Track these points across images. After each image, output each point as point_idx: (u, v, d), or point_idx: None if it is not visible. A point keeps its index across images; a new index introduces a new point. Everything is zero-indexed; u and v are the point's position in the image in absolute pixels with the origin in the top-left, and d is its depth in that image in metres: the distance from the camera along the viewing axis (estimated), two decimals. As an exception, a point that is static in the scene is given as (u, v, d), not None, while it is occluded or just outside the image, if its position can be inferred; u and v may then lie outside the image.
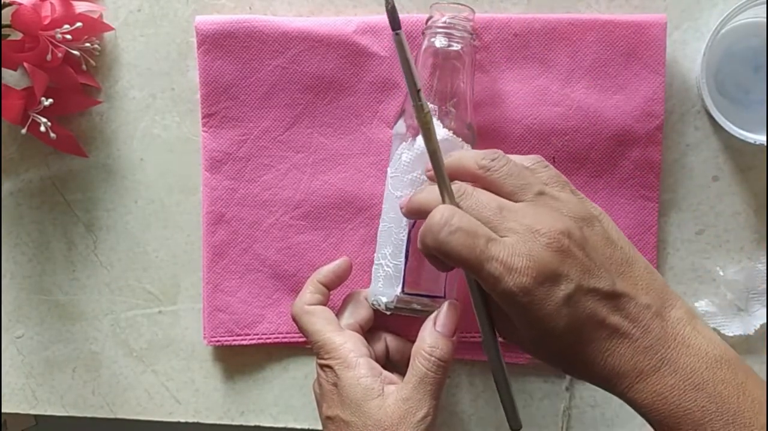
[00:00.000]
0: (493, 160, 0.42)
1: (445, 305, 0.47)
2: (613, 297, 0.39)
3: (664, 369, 0.38)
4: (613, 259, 0.40)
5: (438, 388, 0.46)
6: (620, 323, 0.39)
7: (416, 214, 0.44)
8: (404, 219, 0.48)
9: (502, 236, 0.39)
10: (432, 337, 0.46)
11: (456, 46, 0.49)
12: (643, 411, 0.39)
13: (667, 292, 0.41)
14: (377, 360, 0.49)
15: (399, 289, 0.49)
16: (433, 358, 0.45)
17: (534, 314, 0.38)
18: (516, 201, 0.41)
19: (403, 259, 0.49)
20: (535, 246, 0.38)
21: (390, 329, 0.53)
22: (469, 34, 0.49)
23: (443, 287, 0.50)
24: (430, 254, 0.41)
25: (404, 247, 0.49)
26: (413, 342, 0.48)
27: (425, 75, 0.49)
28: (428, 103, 0.48)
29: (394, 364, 0.52)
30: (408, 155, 0.48)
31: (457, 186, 0.42)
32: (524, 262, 0.38)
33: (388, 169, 0.50)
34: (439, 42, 0.49)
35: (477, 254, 0.38)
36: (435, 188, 0.43)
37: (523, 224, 0.39)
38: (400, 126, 0.50)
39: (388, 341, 0.53)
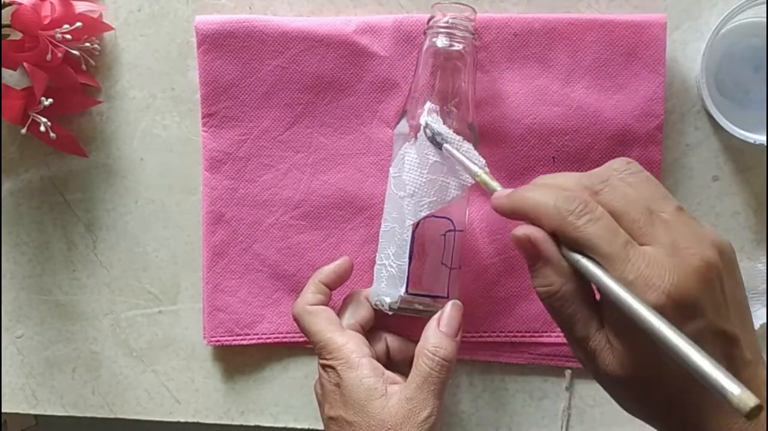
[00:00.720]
0: (629, 163, 0.39)
1: (448, 306, 0.47)
2: (730, 342, 0.36)
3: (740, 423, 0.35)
4: (737, 298, 0.37)
5: (442, 388, 0.46)
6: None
7: (522, 214, 0.39)
8: (407, 219, 0.48)
9: (642, 244, 0.36)
10: (436, 337, 0.46)
11: (458, 46, 0.49)
12: None
13: (760, 349, 0.38)
14: (378, 360, 0.49)
15: (403, 289, 0.48)
16: (437, 358, 0.45)
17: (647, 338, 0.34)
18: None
19: (406, 259, 0.49)
20: (681, 265, 0.34)
21: (390, 329, 0.53)
22: (471, 33, 0.49)
23: (446, 288, 0.50)
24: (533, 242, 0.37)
25: (408, 247, 0.48)
26: (414, 341, 0.48)
27: (426, 75, 0.49)
28: (430, 102, 0.48)
29: (395, 364, 0.52)
30: (412, 156, 0.48)
31: (599, 171, 0.39)
32: (666, 278, 0.34)
33: (391, 169, 0.50)
34: (441, 42, 0.49)
35: (614, 249, 0.35)
36: (549, 187, 0.39)
37: (671, 236, 0.35)
38: (403, 126, 0.50)
39: (388, 341, 0.53)
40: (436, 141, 0.47)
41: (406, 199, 0.48)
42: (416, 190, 0.48)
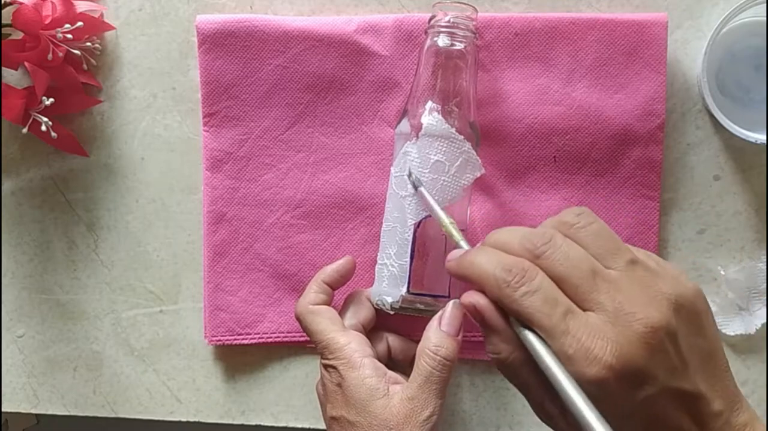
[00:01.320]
0: (579, 215, 0.38)
1: (450, 305, 0.47)
2: (692, 399, 0.35)
3: None
4: (700, 351, 0.36)
5: (443, 387, 0.45)
6: (691, 429, 0.35)
7: (470, 281, 0.39)
8: (409, 219, 0.48)
9: (585, 310, 0.35)
10: (437, 336, 0.46)
11: (459, 45, 0.49)
12: None
13: (735, 393, 0.37)
14: (379, 360, 0.49)
15: (404, 289, 0.48)
16: (438, 357, 0.45)
17: (605, 409, 0.33)
18: (604, 267, 0.36)
19: (408, 259, 0.48)
20: (624, 333, 0.34)
21: (391, 328, 0.53)
22: (472, 33, 0.49)
23: (447, 287, 0.50)
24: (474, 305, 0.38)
25: (409, 247, 0.48)
26: (415, 341, 0.48)
27: (428, 74, 0.49)
28: (431, 101, 0.48)
29: (397, 364, 0.52)
30: (413, 155, 0.48)
31: (543, 230, 0.37)
32: (608, 349, 0.33)
33: (392, 169, 0.50)
34: (442, 41, 0.49)
35: (553, 323, 0.34)
36: (493, 252, 0.38)
37: (616, 300, 0.35)
38: (404, 126, 0.50)
39: (390, 340, 0.52)
40: (412, 182, 0.48)
41: (407, 198, 0.48)
42: (427, 192, 0.48)
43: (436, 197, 0.48)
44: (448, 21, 0.49)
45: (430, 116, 0.48)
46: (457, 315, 0.47)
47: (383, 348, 0.52)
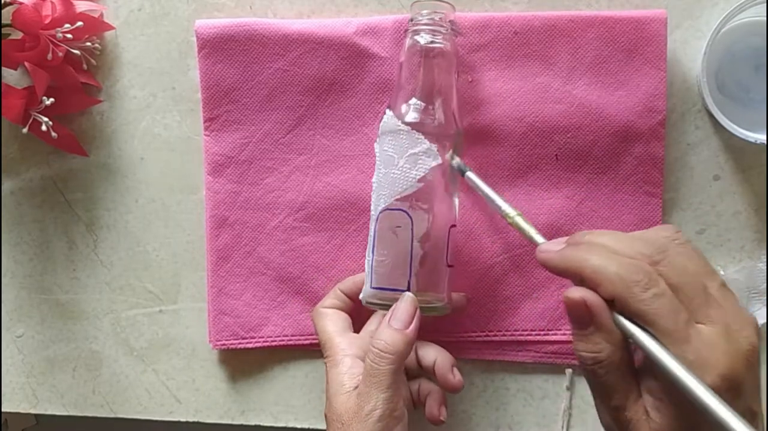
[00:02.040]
0: (677, 231, 0.39)
1: (400, 300, 0.47)
2: (752, 419, 0.36)
3: None
4: (761, 377, 0.38)
5: (387, 380, 0.45)
6: None
7: (577, 276, 0.38)
8: (375, 213, 0.49)
9: (697, 322, 0.36)
10: (380, 330, 0.46)
11: (437, 43, 0.49)
12: None
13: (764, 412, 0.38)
14: (409, 369, 0.51)
15: (368, 284, 0.49)
16: (376, 349, 0.45)
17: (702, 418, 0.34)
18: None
19: (371, 254, 0.49)
20: (735, 348, 0.35)
21: (425, 330, 0.52)
22: (452, 29, 0.49)
23: (408, 281, 0.49)
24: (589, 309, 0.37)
25: (372, 242, 0.49)
26: (441, 350, 0.50)
27: (408, 72, 0.49)
28: (414, 98, 0.48)
29: (426, 368, 0.52)
30: (376, 153, 0.49)
31: (656, 239, 0.38)
32: (722, 361, 0.35)
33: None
34: (422, 39, 0.49)
35: (678, 328, 0.35)
36: (610, 256, 0.38)
37: (725, 317, 0.36)
38: (390, 124, 0.50)
39: (418, 349, 0.52)
40: (458, 168, 0.49)
41: (372, 194, 0.49)
42: (377, 185, 0.49)
43: (387, 190, 0.48)
44: (426, 19, 0.49)
45: (388, 115, 0.49)
46: (405, 308, 0.47)
47: (412, 356, 0.52)
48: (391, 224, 0.48)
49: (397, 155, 0.48)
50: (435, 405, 0.50)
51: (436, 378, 0.50)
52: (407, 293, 0.47)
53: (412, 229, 0.48)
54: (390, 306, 0.48)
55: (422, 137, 0.48)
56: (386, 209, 0.48)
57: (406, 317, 0.46)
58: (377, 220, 0.49)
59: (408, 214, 0.48)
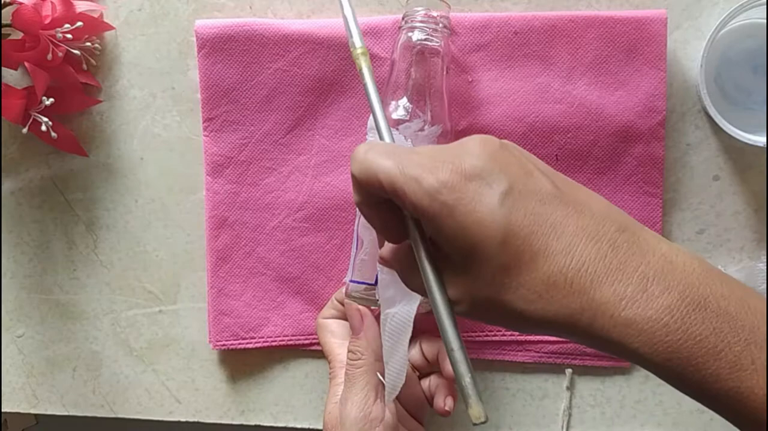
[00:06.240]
0: None
1: (346, 308, 0.50)
2: (562, 204, 0.32)
3: (653, 289, 0.30)
4: (556, 175, 0.34)
5: (357, 383, 0.47)
6: (578, 230, 0.31)
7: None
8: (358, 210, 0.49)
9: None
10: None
11: (431, 41, 0.49)
12: (642, 350, 0.30)
13: (629, 217, 0.33)
14: (418, 366, 0.52)
15: (348, 277, 0.50)
16: (348, 356, 0.49)
17: (463, 220, 0.31)
18: None
19: (353, 249, 0.50)
20: (460, 149, 0.33)
21: (424, 331, 0.53)
22: (446, 28, 0.49)
23: (376, 275, 0.49)
24: (366, 195, 0.35)
25: (355, 236, 0.50)
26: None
27: (400, 70, 0.49)
28: (405, 97, 0.48)
29: (432, 365, 0.52)
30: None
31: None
32: (449, 158, 0.33)
33: None
34: (416, 36, 0.49)
35: (397, 161, 0.33)
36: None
37: (450, 144, 0.35)
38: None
39: (423, 345, 0.53)
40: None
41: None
42: None
43: None
44: (421, 17, 0.49)
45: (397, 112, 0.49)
46: (352, 316, 0.50)
47: (416, 353, 0.52)
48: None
49: None
50: (441, 397, 0.51)
51: (441, 368, 0.51)
52: (348, 300, 0.50)
53: None
54: (366, 300, 0.49)
55: (402, 135, 0.48)
56: None
57: (356, 324, 0.49)
58: (359, 215, 0.50)
59: None
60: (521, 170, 0.33)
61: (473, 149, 0.33)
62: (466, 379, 0.33)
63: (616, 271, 0.30)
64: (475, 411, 0.33)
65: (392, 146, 0.36)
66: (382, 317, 0.47)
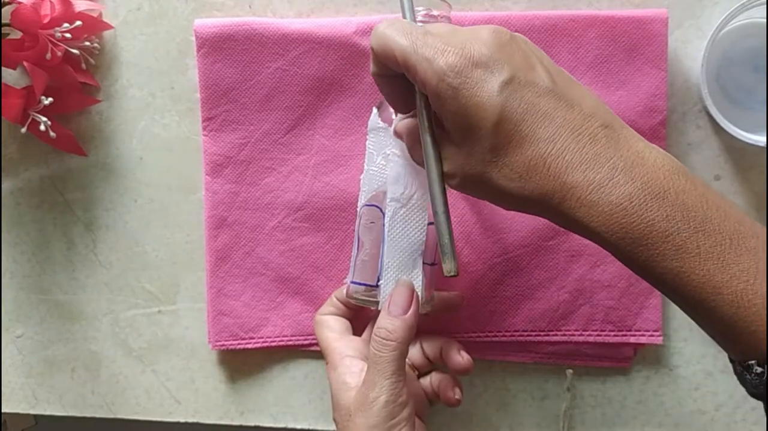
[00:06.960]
0: None
1: (397, 285, 0.47)
2: (555, 98, 0.36)
3: (619, 178, 0.34)
4: (558, 72, 0.38)
5: (391, 367, 0.45)
6: (564, 122, 0.35)
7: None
8: (358, 209, 0.50)
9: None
10: (380, 318, 0.46)
11: None
12: (600, 229, 0.34)
13: (615, 117, 0.37)
14: (418, 365, 0.52)
15: (349, 278, 0.50)
16: (378, 338, 0.45)
17: (465, 102, 0.35)
18: None
19: (354, 250, 0.50)
20: (472, 35, 0.37)
21: (424, 329, 0.53)
22: None
23: (378, 276, 0.49)
24: (381, 68, 0.39)
25: (356, 237, 0.50)
26: (444, 338, 0.51)
27: None
28: None
29: (432, 364, 0.53)
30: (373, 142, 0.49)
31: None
32: (459, 44, 0.36)
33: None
34: None
35: (412, 40, 0.37)
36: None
37: (465, 29, 0.39)
38: (373, 122, 0.50)
39: (423, 344, 0.53)
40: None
41: (360, 191, 0.50)
42: (361, 182, 0.50)
43: (366, 186, 0.49)
44: (423, 16, 0.49)
45: (374, 113, 0.49)
46: (402, 295, 0.46)
47: (416, 351, 0.52)
48: (367, 220, 0.49)
49: (376, 153, 0.49)
50: (448, 388, 0.51)
51: (445, 363, 0.51)
52: (401, 278, 0.47)
53: (384, 225, 0.48)
54: (366, 301, 0.49)
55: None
56: (365, 205, 0.49)
57: (404, 303, 0.46)
58: (359, 216, 0.50)
59: (381, 210, 0.48)
60: (525, 63, 0.36)
61: (485, 37, 0.37)
62: (446, 238, 0.39)
63: (590, 161, 0.35)
64: (447, 266, 0.39)
65: (411, 25, 0.38)
66: (388, 212, 0.46)
